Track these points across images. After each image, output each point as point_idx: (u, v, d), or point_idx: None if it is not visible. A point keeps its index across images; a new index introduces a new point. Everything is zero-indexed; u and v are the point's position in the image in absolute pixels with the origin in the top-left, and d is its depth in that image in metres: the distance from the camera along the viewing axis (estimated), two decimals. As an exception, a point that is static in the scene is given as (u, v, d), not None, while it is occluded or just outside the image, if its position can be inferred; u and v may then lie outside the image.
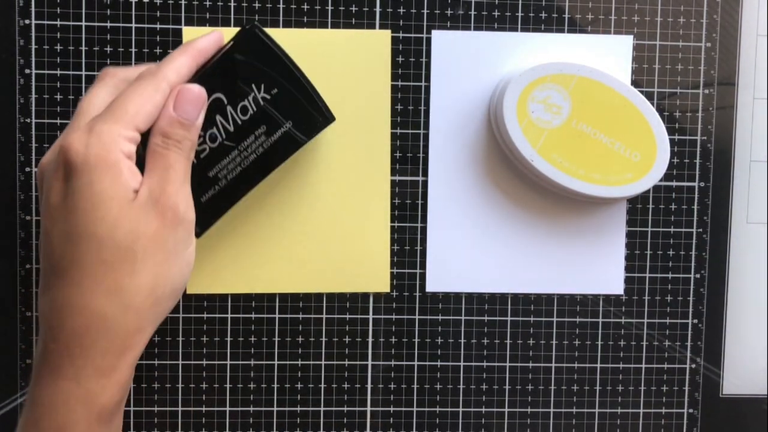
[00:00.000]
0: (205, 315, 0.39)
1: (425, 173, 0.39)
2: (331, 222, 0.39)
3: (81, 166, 0.27)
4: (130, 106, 0.29)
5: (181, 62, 0.31)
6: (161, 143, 0.29)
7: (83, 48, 0.38)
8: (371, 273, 0.39)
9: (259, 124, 0.34)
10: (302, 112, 0.34)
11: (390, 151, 0.39)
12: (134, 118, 0.29)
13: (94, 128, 0.28)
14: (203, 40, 0.32)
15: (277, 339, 0.39)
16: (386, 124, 0.39)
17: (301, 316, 0.39)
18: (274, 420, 0.40)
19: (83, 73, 0.38)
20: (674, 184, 0.40)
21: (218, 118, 0.33)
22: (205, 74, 0.32)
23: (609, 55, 0.39)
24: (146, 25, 0.38)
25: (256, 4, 0.38)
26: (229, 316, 0.39)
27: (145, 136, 0.30)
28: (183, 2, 0.38)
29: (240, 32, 0.33)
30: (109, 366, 0.28)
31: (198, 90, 0.31)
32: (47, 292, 0.28)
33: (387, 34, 0.38)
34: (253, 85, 0.33)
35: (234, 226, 0.38)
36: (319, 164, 0.39)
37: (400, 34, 0.39)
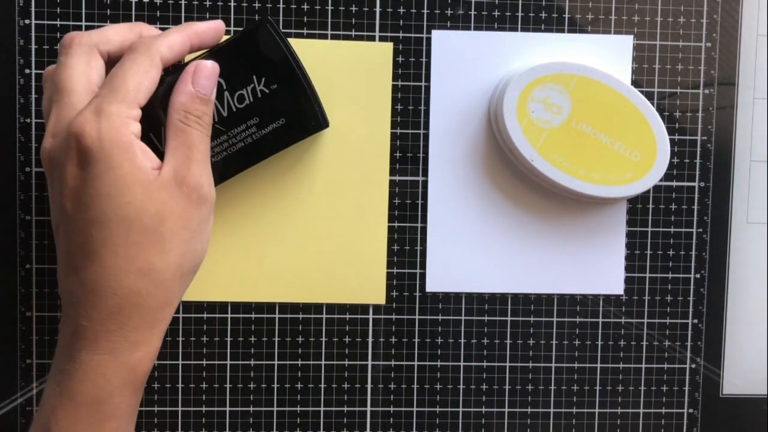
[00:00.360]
0: (205, 315, 0.39)
1: (425, 173, 0.39)
2: (329, 232, 0.38)
3: (97, 152, 0.28)
4: (130, 83, 0.29)
5: (176, 39, 0.31)
6: (183, 119, 0.30)
7: (83, 48, 0.38)
8: (368, 284, 0.39)
9: (253, 115, 0.34)
10: (297, 113, 0.34)
11: (389, 164, 0.39)
12: (136, 95, 0.29)
13: (102, 111, 0.28)
14: (203, 24, 0.33)
15: (277, 339, 0.39)
16: (386, 136, 0.39)
17: (301, 316, 0.39)
18: (274, 420, 0.40)
19: (83, 73, 0.38)
20: (674, 184, 0.40)
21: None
22: (210, 56, 0.32)
23: (609, 55, 0.39)
24: (146, 25, 0.38)
25: (256, 4, 0.38)
26: (229, 316, 0.39)
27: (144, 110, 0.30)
28: (183, 2, 0.38)
29: (253, 24, 0.33)
30: (143, 339, 0.29)
31: (212, 65, 0.31)
32: (75, 274, 0.29)
33: (389, 46, 0.38)
34: (255, 77, 0.33)
35: (231, 234, 0.38)
36: (317, 171, 0.38)
37: (400, 34, 0.39)
